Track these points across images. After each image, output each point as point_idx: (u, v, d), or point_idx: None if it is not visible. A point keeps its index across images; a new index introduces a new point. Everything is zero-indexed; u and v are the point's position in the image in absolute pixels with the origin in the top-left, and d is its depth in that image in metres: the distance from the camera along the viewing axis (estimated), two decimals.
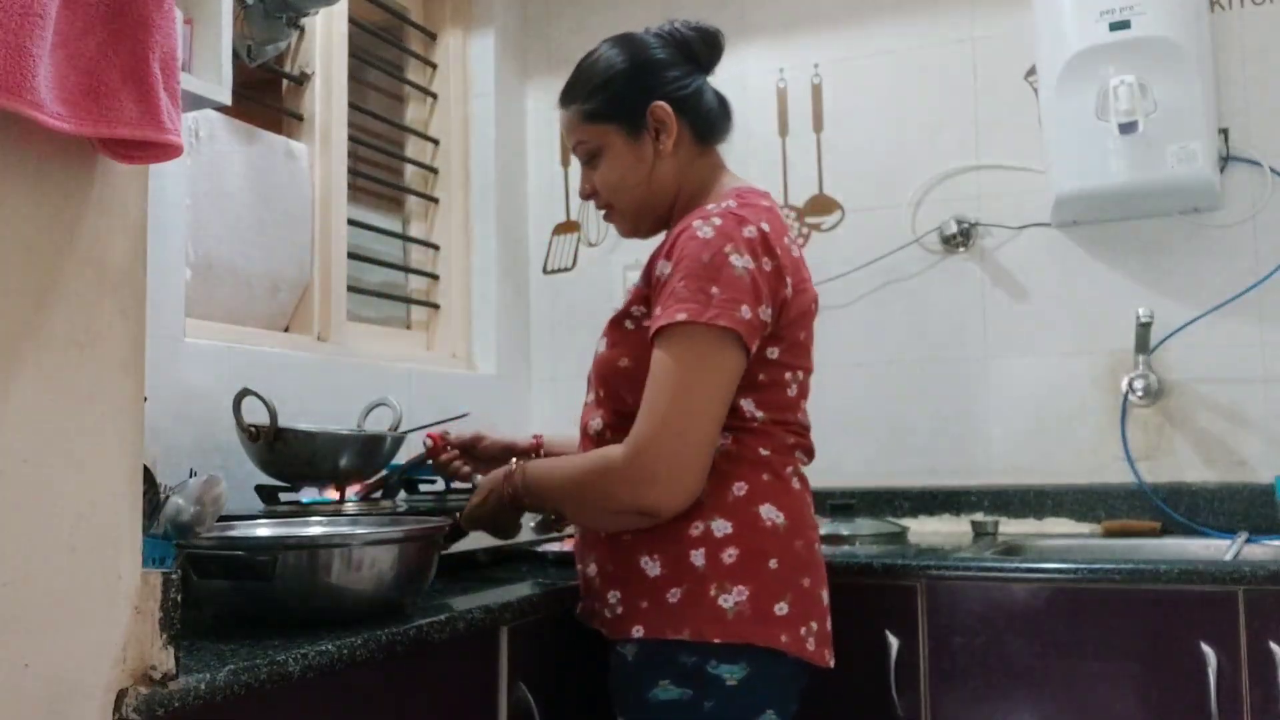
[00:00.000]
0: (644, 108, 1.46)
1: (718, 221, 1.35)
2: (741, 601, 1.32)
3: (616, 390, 1.40)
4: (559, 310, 2.78)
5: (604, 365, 1.42)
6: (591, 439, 1.47)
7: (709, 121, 1.50)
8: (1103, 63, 2.12)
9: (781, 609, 1.33)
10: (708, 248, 1.32)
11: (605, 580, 1.41)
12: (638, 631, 1.35)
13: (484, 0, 2.72)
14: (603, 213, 1.55)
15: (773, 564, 1.34)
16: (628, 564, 1.38)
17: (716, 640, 1.31)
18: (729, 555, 1.33)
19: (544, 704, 1.44)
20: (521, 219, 2.80)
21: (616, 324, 1.44)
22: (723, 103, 1.53)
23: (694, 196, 1.48)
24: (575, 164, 2.77)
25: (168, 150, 0.95)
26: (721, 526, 1.34)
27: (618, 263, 2.72)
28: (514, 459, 1.55)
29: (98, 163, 0.95)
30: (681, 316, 1.29)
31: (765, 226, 1.37)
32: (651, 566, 1.36)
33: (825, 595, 1.43)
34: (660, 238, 1.52)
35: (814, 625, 1.37)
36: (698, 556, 1.33)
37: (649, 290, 1.39)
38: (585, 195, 1.54)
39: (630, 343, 1.40)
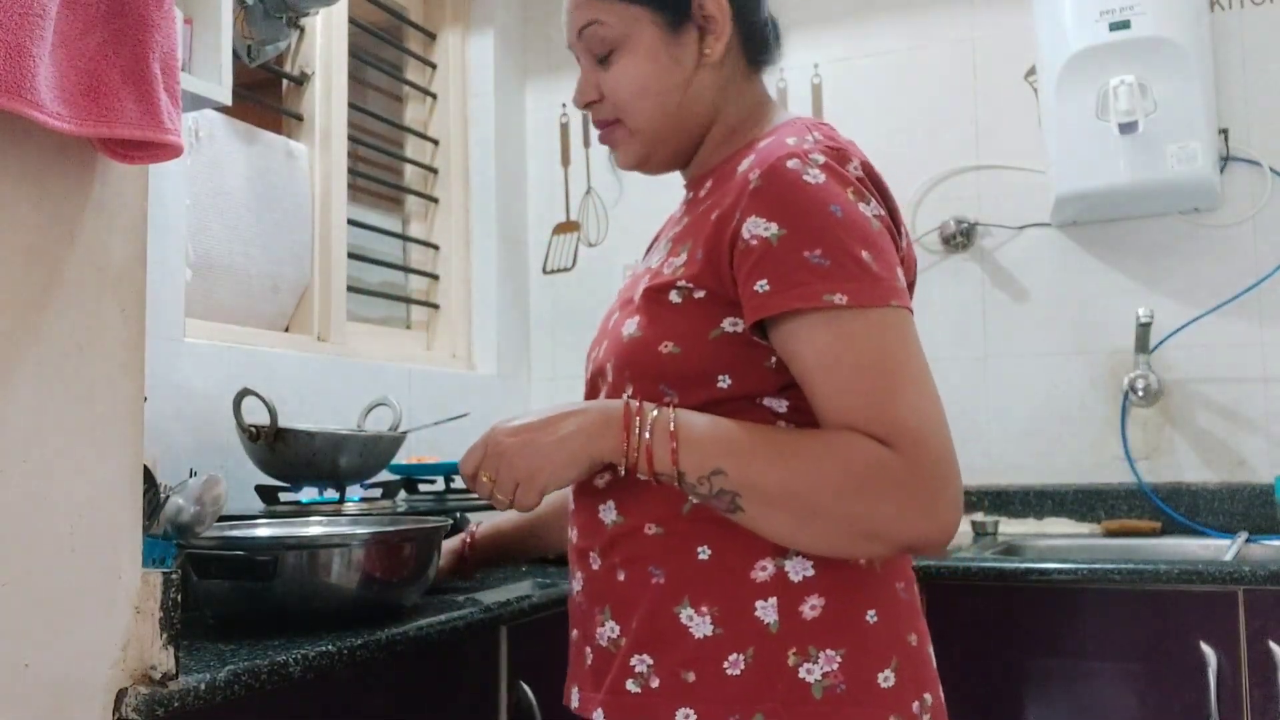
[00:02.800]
0: None
1: (820, 158, 1.00)
2: (832, 672, 0.97)
3: (652, 381, 1.03)
4: (559, 310, 2.78)
5: (636, 349, 1.04)
6: None
7: (764, 36, 1.16)
8: (1103, 63, 2.12)
9: (886, 679, 0.98)
10: (830, 196, 0.98)
11: (631, 640, 1.02)
12: (686, 717, 0.98)
13: (483, 0, 2.72)
14: (601, 131, 1.16)
15: (871, 617, 1.00)
16: (659, 617, 1.01)
17: None
18: (812, 607, 0.98)
19: (544, 704, 1.44)
20: (521, 219, 2.80)
21: (655, 297, 1.05)
22: (774, 20, 1.19)
23: (736, 129, 1.14)
24: (576, 162, 2.78)
25: (168, 150, 0.95)
26: (800, 567, 0.99)
27: (618, 262, 2.72)
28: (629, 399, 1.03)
29: (98, 163, 0.95)
30: (840, 299, 0.94)
31: (863, 159, 1.05)
32: (699, 623, 0.99)
33: (932, 654, 1.07)
34: (654, 194, 1.26)
35: (928, 698, 1.02)
36: (766, 609, 0.98)
37: (717, 258, 1.01)
38: (584, 102, 1.15)
39: (676, 323, 1.03)
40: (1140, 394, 2.25)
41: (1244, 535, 2.09)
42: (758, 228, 0.98)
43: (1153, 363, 2.25)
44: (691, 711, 0.98)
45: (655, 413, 0.98)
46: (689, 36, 1.11)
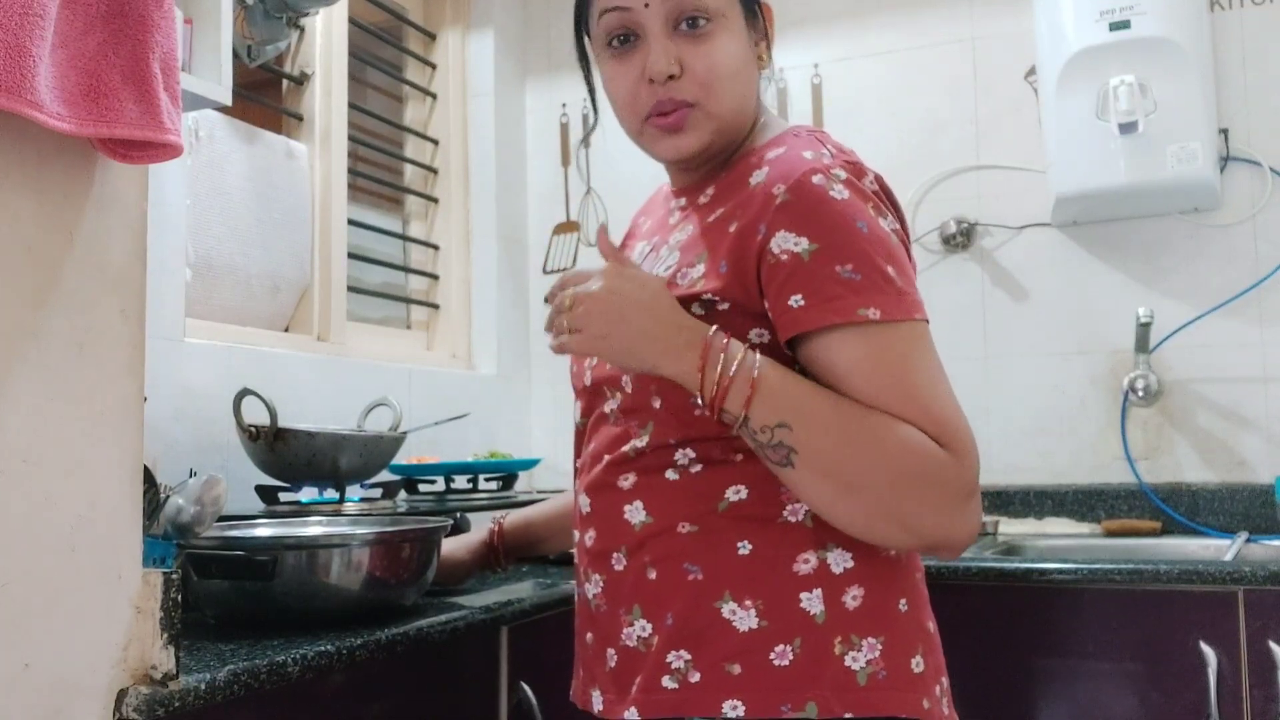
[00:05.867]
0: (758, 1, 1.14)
1: (841, 174, 1.02)
2: (874, 659, 1.00)
3: (683, 394, 1.01)
4: None
5: None
6: (616, 466, 1.09)
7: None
8: (1103, 63, 2.12)
9: (918, 665, 1.02)
10: (856, 212, 1.00)
11: (665, 638, 1.03)
12: (734, 709, 0.99)
13: (483, 0, 2.72)
14: (666, 114, 1.08)
15: (903, 605, 1.04)
16: (698, 613, 1.02)
17: (848, 716, 0.98)
18: (853, 597, 1.01)
19: (545, 704, 1.43)
20: (521, 219, 2.80)
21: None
22: None
23: (750, 138, 1.14)
24: (576, 162, 2.78)
25: (168, 150, 0.95)
26: (840, 559, 1.02)
27: None
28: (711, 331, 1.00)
29: (98, 163, 0.96)
30: (873, 313, 0.97)
31: (876, 174, 1.08)
32: (743, 617, 1.00)
33: None
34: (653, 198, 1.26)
35: (944, 682, 1.07)
36: (812, 601, 1.00)
37: (743, 271, 1.02)
38: (667, 75, 1.06)
39: None
40: (1140, 394, 2.25)
41: (1244, 535, 2.09)
42: (788, 242, 0.99)
43: (1153, 363, 2.25)
44: (740, 703, 0.99)
45: (742, 355, 0.98)
46: (755, 35, 1.12)
